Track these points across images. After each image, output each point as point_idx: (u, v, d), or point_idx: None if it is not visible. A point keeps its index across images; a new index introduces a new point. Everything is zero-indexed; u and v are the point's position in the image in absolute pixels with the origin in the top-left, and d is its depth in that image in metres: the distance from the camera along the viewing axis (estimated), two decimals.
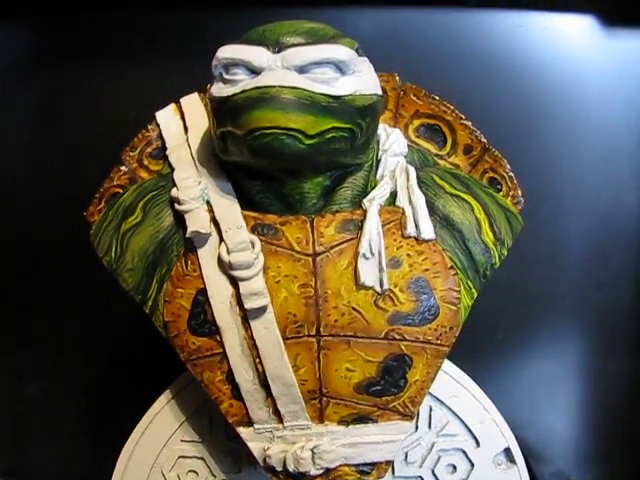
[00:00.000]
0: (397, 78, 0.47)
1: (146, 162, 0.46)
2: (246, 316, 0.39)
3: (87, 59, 0.62)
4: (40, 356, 0.62)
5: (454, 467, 0.46)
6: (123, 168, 0.46)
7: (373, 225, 0.39)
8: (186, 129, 0.46)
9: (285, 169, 0.40)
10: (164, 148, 0.46)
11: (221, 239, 0.39)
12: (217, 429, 0.45)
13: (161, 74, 0.60)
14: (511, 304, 0.64)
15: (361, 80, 0.39)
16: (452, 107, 0.47)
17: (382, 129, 0.44)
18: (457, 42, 0.62)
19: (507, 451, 0.45)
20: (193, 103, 0.47)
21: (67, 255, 0.61)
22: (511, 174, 0.46)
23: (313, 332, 0.39)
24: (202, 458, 0.45)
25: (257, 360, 0.39)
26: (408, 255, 0.40)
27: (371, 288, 0.39)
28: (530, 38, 0.63)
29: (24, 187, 0.62)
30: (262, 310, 0.38)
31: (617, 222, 0.64)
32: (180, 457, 0.45)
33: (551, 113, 0.63)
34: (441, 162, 0.47)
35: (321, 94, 0.37)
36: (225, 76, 0.38)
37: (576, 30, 0.63)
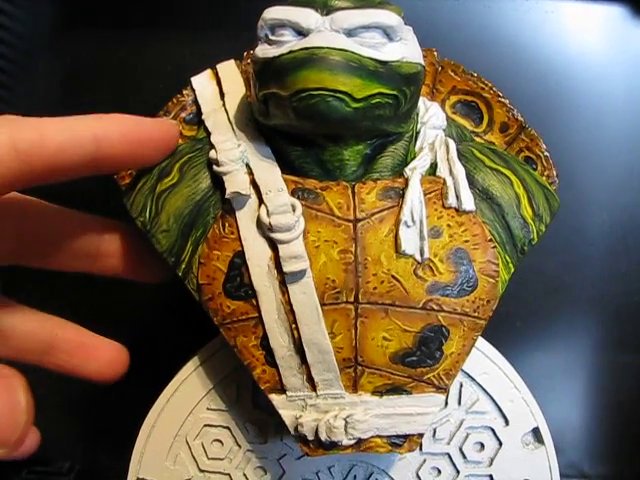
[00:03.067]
0: (435, 53, 0.47)
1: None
2: (284, 280, 0.38)
3: (115, 28, 0.61)
4: None
5: (482, 445, 0.45)
6: None
7: (415, 193, 0.39)
8: (222, 95, 0.45)
9: (327, 134, 0.39)
10: (199, 113, 0.45)
11: (260, 202, 0.39)
12: (245, 398, 0.44)
13: (191, 45, 0.59)
14: (531, 293, 0.64)
15: (407, 48, 0.39)
16: (490, 84, 0.47)
17: (421, 102, 0.44)
18: (487, 27, 0.62)
19: (536, 431, 0.45)
20: (230, 69, 0.46)
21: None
22: (547, 154, 0.46)
23: (351, 299, 0.38)
24: (228, 427, 0.44)
25: (293, 325, 0.39)
26: (448, 225, 0.39)
27: (411, 256, 0.39)
28: (560, 25, 0.63)
29: None
30: (301, 274, 0.38)
31: None
32: (205, 425, 0.44)
33: (577, 102, 0.63)
34: (477, 139, 0.46)
35: (369, 58, 0.37)
36: (271, 37, 0.38)
37: (606, 19, 0.63)
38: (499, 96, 0.46)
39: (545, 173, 0.45)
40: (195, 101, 0.46)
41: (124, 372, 0.46)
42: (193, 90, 0.46)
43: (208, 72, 0.46)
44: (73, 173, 0.36)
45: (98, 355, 0.44)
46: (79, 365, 0.44)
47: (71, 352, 0.44)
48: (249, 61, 0.44)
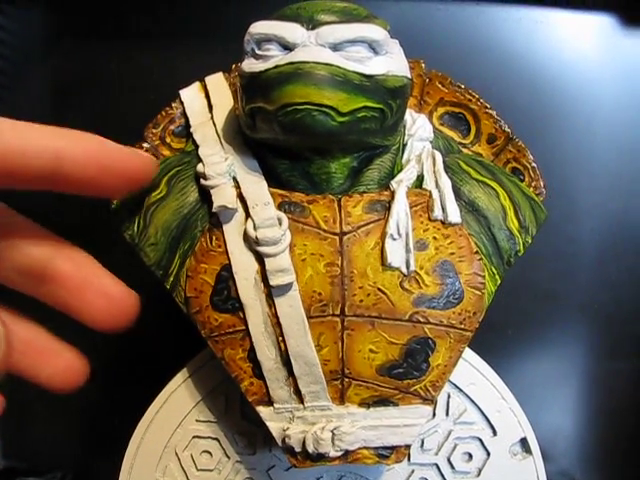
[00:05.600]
0: (422, 65, 0.47)
1: (168, 140, 0.46)
2: (270, 293, 0.38)
3: (103, 40, 0.61)
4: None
5: (470, 455, 0.45)
6: (145, 145, 0.46)
7: (401, 206, 0.39)
8: (211, 107, 0.45)
9: (314, 147, 0.39)
10: (187, 126, 0.46)
11: (247, 215, 0.39)
12: (233, 409, 0.44)
13: (180, 56, 0.59)
14: (522, 301, 0.64)
15: (393, 61, 0.39)
16: (477, 96, 0.47)
17: (408, 114, 0.44)
18: (478, 37, 0.62)
19: (523, 441, 0.45)
20: (218, 82, 0.46)
21: (81, 234, 0.60)
22: (534, 165, 0.46)
23: (338, 312, 0.38)
24: (217, 439, 0.44)
25: (280, 338, 0.39)
26: (434, 238, 0.39)
27: (397, 269, 0.39)
28: (550, 35, 0.63)
29: None
30: (287, 287, 0.38)
31: (630, 222, 0.64)
32: (194, 437, 0.44)
33: (567, 111, 0.63)
34: (464, 150, 0.47)
35: (354, 72, 0.37)
36: (257, 52, 0.38)
37: (596, 29, 0.63)
38: (486, 107, 0.46)
39: (532, 184, 0.46)
40: (184, 113, 0.46)
41: (82, 383, 0.40)
42: (182, 103, 0.46)
43: (197, 85, 0.47)
44: (27, 184, 0.33)
45: (53, 361, 0.38)
46: (30, 367, 0.38)
47: (25, 352, 0.38)
48: (237, 74, 0.45)
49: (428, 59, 0.47)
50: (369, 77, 0.37)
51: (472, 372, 0.45)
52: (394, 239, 0.39)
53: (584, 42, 0.63)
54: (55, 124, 0.37)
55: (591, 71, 0.63)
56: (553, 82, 0.63)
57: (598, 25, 0.63)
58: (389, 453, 0.41)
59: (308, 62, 0.36)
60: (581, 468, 0.68)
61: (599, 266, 0.65)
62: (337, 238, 0.38)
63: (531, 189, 0.45)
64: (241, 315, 0.39)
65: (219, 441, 0.45)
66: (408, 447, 0.41)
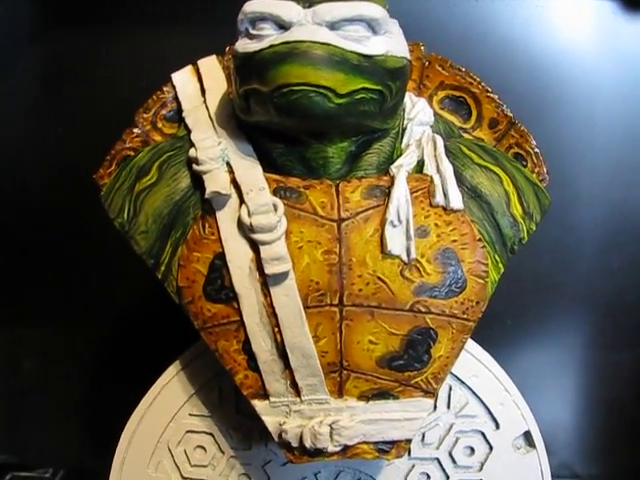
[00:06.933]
0: (422, 48, 0.46)
1: (160, 125, 0.45)
2: (266, 282, 0.37)
3: (95, 24, 0.60)
4: (40, 330, 0.60)
5: (472, 449, 0.44)
6: (136, 130, 0.44)
7: (401, 192, 0.38)
8: (203, 91, 0.44)
9: (311, 131, 0.38)
10: (179, 111, 0.44)
11: (241, 201, 0.38)
12: (227, 403, 0.43)
13: (173, 39, 0.58)
14: (522, 291, 0.63)
15: (392, 41, 0.38)
16: (478, 79, 0.46)
17: (407, 97, 0.43)
18: (477, 22, 0.61)
19: (527, 434, 0.44)
20: (211, 65, 0.45)
21: (69, 227, 0.59)
22: (537, 150, 0.45)
23: (336, 301, 0.37)
24: (211, 433, 0.43)
25: (276, 329, 0.37)
26: (436, 225, 0.38)
27: (397, 257, 0.37)
28: (550, 20, 0.62)
29: (30, 154, 0.60)
30: (283, 276, 0.37)
31: (631, 211, 0.63)
32: (188, 432, 0.43)
33: (567, 98, 0.62)
34: (465, 135, 0.45)
35: (353, 52, 0.35)
36: (252, 31, 0.37)
37: (595, 14, 0.62)
38: (488, 91, 0.45)
39: (535, 170, 0.44)
40: (176, 98, 0.45)
41: None
42: (174, 87, 0.45)
43: (189, 68, 0.45)
44: None
45: None
46: None
47: None
48: (230, 55, 0.43)
49: (427, 44, 0.46)
50: (368, 57, 0.36)
51: (474, 364, 0.43)
52: (394, 226, 0.37)
53: (584, 27, 0.62)
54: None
55: (591, 56, 0.62)
56: (552, 68, 0.62)
57: (598, 9, 0.62)
58: (389, 448, 0.39)
59: (304, 41, 0.35)
60: (581, 460, 0.67)
61: (600, 256, 0.64)
62: (335, 225, 0.37)
63: (534, 175, 0.44)
64: (235, 305, 0.37)
65: (213, 436, 0.44)
66: (409, 442, 0.40)
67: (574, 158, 0.62)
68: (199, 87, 0.44)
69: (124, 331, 0.59)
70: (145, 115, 0.45)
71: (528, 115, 0.55)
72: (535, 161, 0.45)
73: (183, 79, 0.45)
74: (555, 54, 0.61)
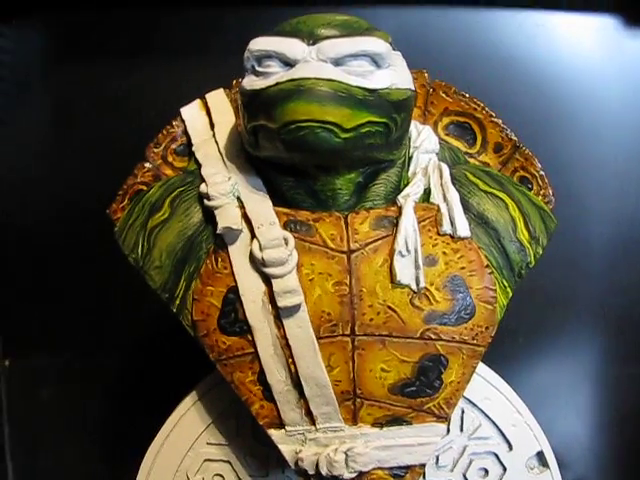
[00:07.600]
0: (426, 75, 0.46)
1: (170, 159, 0.45)
2: (279, 315, 0.38)
3: (105, 58, 0.61)
4: (58, 358, 0.60)
5: (486, 471, 0.45)
6: (147, 165, 0.45)
7: (409, 222, 0.38)
8: (212, 125, 0.45)
9: (318, 164, 0.39)
10: (189, 144, 0.45)
11: (253, 236, 0.38)
12: (244, 431, 0.43)
13: (180, 72, 0.59)
14: (533, 308, 0.63)
15: (396, 74, 0.38)
16: (482, 104, 0.46)
17: (413, 126, 0.43)
18: (479, 41, 0.61)
19: (540, 455, 0.44)
20: (219, 99, 0.46)
21: (84, 257, 0.60)
22: (542, 173, 0.46)
23: (348, 331, 0.38)
24: (228, 461, 0.44)
25: (290, 360, 0.38)
26: (444, 253, 0.39)
27: (407, 286, 0.38)
28: (552, 38, 0.62)
29: (42, 188, 0.61)
30: (296, 308, 0.37)
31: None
32: (206, 460, 0.44)
33: (573, 114, 0.62)
34: (471, 160, 0.46)
35: (357, 87, 0.36)
36: (258, 68, 0.37)
37: (598, 30, 0.62)
38: (492, 116, 0.46)
39: (541, 192, 0.45)
40: (185, 132, 0.45)
41: None
42: (183, 121, 0.46)
43: (197, 102, 0.46)
44: None
45: None
46: None
47: None
48: (238, 91, 0.44)
49: (430, 66, 0.47)
50: (372, 91, 0.36)
51: (486, 386, 0.44)
52: (403, 255, 0.38)
53: (587, 44, 0.62)
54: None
55: (595, 72, 0.62)
56: (556, 86, 0.62)
57: (600, 26, 0.62)
58: (404, 473, 0.40)
59: (309, 78, 0.35)
60: (596, 474, 0.67)
61: (610, 271, 0.64)
62: (345, 256, 0.38)
63: (540, 198, 0.44)
64: (249, 337, 0.38)
65: (231, 464, 0.44)
66: (423, 466, 0.40)
67: (581, 174, 0.63)
68: (208, 121, 0.45)
69: (141, 362, 0.60)
70: (156, 150, 0.45)
71: (534, 133, 0.56)
72: (540, 183, 0.45)
73: (192, 113, 0.46)
74: (559, 72, 0.62)
